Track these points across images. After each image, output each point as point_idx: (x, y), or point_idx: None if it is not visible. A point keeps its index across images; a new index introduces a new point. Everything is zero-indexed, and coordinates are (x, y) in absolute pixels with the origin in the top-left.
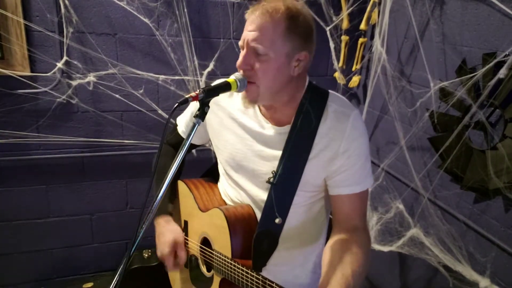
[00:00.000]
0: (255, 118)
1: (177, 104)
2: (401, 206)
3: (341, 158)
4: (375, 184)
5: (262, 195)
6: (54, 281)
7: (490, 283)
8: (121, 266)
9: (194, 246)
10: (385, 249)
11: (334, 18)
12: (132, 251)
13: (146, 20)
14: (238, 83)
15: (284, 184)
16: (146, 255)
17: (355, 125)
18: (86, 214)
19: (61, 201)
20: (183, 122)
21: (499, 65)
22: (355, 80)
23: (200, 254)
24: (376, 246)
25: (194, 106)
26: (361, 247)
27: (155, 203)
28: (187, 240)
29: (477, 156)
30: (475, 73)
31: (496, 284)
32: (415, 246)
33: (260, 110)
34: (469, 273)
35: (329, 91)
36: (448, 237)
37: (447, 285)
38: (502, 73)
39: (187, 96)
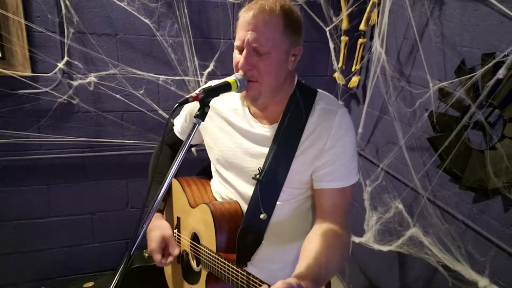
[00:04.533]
0: (244, 118)
1: (177, 104)
2: (401, 206)
3: (326, 155)
4: (374, 184)
5: (249, 191)
6: (55, 280)
7: (489, 282)
8: (122, 266)
9: (185, 242)
10: (385, 248)
11: (333, 19)
12: (132, 251)
13: (146, 20)
14: (238, 83)
15: (270, 180)
16: (147, 255)
17: (341, 122)
18: (87, 214)
19: (62, 200)
20: (178, 122)
21: (498, 65)
22: (354, 80)
23: (190, 249)
24: (376, 246)
25: (188, 107)
26: (338, 240)
27: (155, 203)
28: (179, 236)
29: (476, 156)
30: (474, 74)
31: (495, 283)
32: (414, 246)
33: (250, 110)
34: (468, 273)
35: (318, 89)
36: (447, 237)
37: (446, 284)
38: (501, 73)
39: (187, 96)
